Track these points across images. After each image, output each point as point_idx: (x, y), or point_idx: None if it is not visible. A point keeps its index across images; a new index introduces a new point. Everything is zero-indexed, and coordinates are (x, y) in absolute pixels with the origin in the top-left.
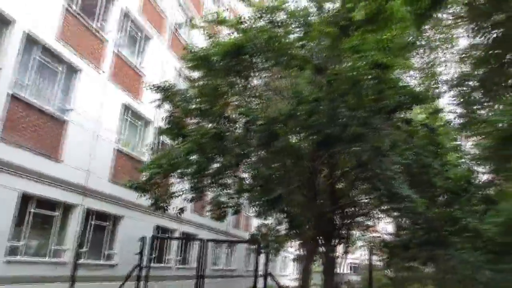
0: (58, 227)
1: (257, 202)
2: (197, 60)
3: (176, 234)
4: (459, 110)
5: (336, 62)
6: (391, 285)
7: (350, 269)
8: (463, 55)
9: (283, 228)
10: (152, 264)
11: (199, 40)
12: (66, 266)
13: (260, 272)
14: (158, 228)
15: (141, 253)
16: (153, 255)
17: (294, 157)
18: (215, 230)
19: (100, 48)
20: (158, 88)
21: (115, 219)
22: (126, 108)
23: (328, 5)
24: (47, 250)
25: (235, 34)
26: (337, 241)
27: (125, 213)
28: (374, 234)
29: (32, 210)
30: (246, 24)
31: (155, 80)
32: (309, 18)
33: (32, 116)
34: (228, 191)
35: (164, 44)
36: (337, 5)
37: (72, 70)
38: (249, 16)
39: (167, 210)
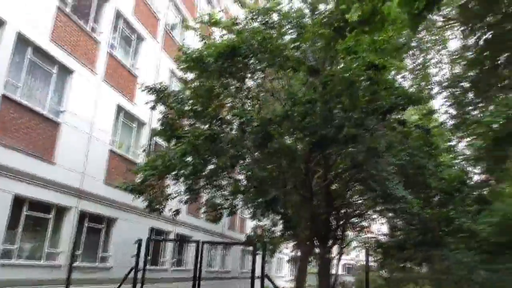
0: (52, 230)
1: (252, 204)
2: (191, 61)
3: (171, 236)
4: (452, 111)
5: (330, 64)
6: (385, 285)
7: (344, 270)
8: (455, 56)
9: (278, 230)
10: (147, 267)
11: (192, 42)
12: (61, 269)
13: (257, 274)
14: (152, 230)
15: (137, 256)
16: (149, 257)
17: (289, 158)
18: (210, 232)
19: (93, 49)
20: (152, 90)
21: (110, 221)
22: (120, 109)
23: (321, 7)
24: (42, 253)
25: (229, 36)
26: (332, 242)
27: (120, 215)
28: (369, 235)
29: (26, 213)
30: (240, 26)
31: (149, 81)
32: (303, 20)
33: (24, 117)
34: (223, 192)
35: (158, 45)
36: (330, 6)
37: (65, 71)
38: (243, 18)
39: (162, 212)
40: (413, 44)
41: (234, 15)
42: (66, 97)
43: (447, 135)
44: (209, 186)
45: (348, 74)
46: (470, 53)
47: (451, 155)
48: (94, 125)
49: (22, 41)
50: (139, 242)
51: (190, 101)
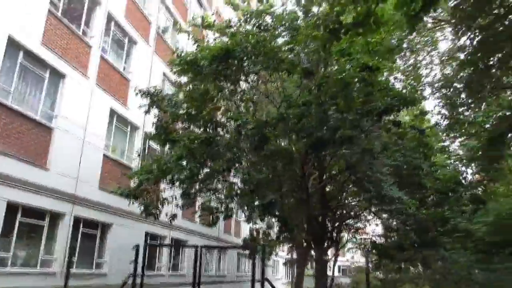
0: (47, 237)
1: (248, 207)
2: (185, 64)
3: (166, 241)
4: (444, 111)
5: (324, 66)
6: (381, 286)
7: (339, 272)
8: (446, 57)
9: (274, 232)
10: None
11: (185, 45)
12: (56, 276)
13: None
14: (147, 234)
15: (135, 262)
16: (145, 263)
17: (286, 160)
18: (205, 236)
19: (85, 52)
20: (145, 93)
21: (105, 227)
22: (113, 113)
23: (314, 9)
24: (36, 260)
25: (222, 38)
26: (328, 243)
27: (115, 221)
28: (364, 236)
29: (19, 220)
30: (234, 28)
31: (142, 85)
32: (296, 22)
33: (16, 122)
34: (219, 196)
35: (150, 49)
36: (322, 8)
37: (57, 76)
38: (236, 20)
39: (158, 217)
40: (404, 45)
41: (226, 18)
42: (59, 101)
43: (440, 136)
44: (204, 190)
45: (342, 76)
46: (462, 54)
47: (445, 155)
48: (87, 130)
49: (13, 45)
50: (137, 247)
51: (184, 105)
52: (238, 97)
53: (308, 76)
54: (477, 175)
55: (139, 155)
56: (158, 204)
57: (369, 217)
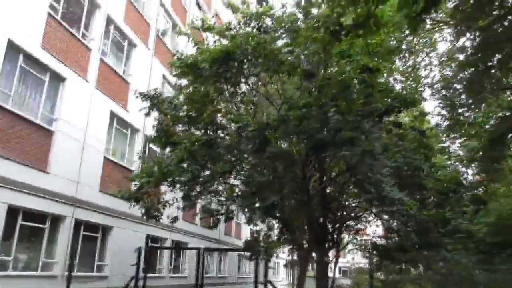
0: (48, 240)
1: (249, 209)
2: (185, 67)
3: (167, 243)
4: (444, 112)
5: (324, 67)
6: (382, 287)
7: (340, 273)
8: (446, 58)
9: (275, 234)
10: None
11: (184, 47)
12: (57, 279)
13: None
14: (148, 237)
15: (137, 264)
16: (147, 265)
17: (287, 162)
18: (206, 238)
19: (85, 56)
20: (145, 96)
21: (106, 230)
22: (114, 116)
23: (314, 11)
24: (37, 263)
25: (222, 41)
26: (330, 245)
27: (115, 223)
28: (365, 238)
29: (20, 223)
30: (234, 31)
31: (142, 87)
32: (296, 24)
33: (17, 126)
34: (220, 198)
35: (150, 52)
36: (322, 10)
37: (57, 79)
38: (236, 23)
39: (160, 219)
40: (403, 47)
41: (225, 20)
42: (59, 104)
43: (441, 137)
44: (205, 192)
45: (342, 77)
46: (462, 55)
47: (445, 156)
48: (88, 133)
49: (13, 49)
50: (139, 250)
51: (185, 107)
52: (239, 99)
53: (308, 78)
54: (477, 176)
55: (139, 157)
56: (159, 206)
57: (370, 219)
